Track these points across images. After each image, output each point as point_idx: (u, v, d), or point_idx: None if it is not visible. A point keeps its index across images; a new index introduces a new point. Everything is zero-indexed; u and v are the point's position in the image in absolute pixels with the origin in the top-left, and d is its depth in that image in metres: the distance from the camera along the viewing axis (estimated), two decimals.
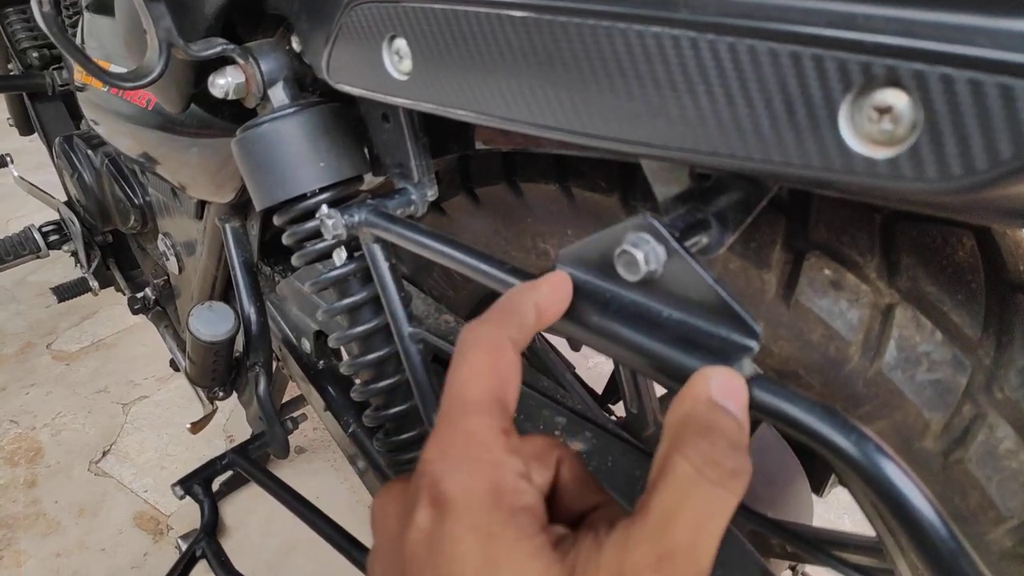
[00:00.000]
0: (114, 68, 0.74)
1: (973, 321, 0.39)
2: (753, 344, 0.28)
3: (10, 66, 1.54)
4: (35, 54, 1.46)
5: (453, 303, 0.81)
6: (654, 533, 0.25)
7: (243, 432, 1.64)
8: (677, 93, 0.27)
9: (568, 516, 0.32)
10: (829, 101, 0.23)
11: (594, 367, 1.67)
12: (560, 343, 1.07)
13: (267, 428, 0.86)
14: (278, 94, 0.54)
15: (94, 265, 1.43)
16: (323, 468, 1.55)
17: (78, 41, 0.88)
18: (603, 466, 0.60)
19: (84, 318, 2.10)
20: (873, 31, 0.21)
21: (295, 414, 1.17)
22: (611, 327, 0.32)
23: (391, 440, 0.64)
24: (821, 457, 0.74)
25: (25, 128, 1.63)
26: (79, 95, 0.95)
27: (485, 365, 0.29)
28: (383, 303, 0.55)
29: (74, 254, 1.48)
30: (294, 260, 0.59)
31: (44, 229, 1.47)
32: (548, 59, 0.31)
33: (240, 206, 0.87)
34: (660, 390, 0.82)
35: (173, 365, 1.35)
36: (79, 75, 0.90)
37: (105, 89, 0.82)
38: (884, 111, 0.22)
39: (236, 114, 0.63)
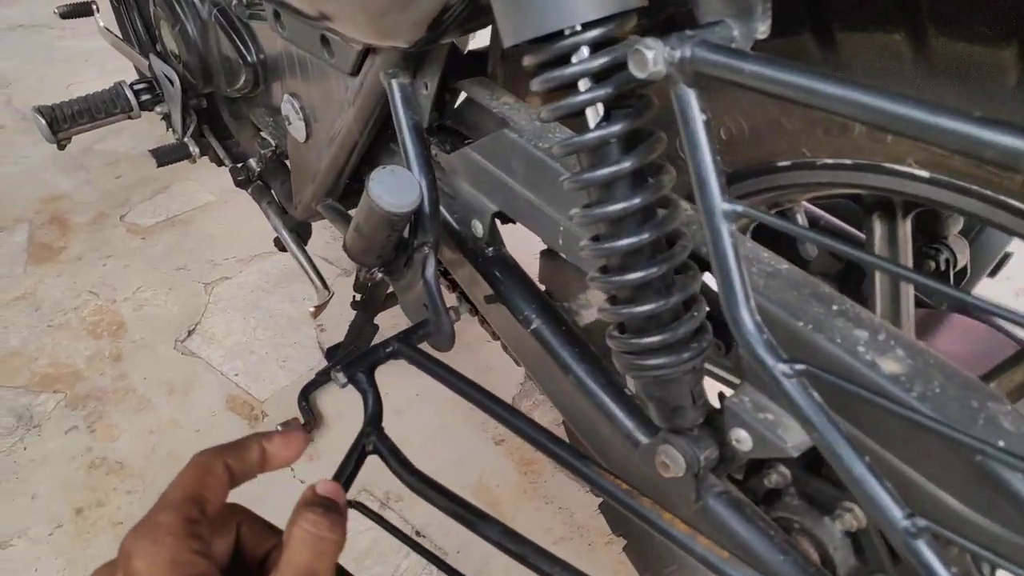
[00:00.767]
0: None
1: None
2: None
3: None
4: None
5: None
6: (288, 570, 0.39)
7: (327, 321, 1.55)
8: None
9: (256, 558, 0.45)
10: None
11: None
12: None
13: (432, 316, 0.76)
14: None
15: (190, 130, 1.31)
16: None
17: None
18: None
19: (156, 192, 2.00)
20: None
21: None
22: None
23: (634, 341, 0.54)
24: None
25: None
26: None
27: (190, 476, 0.41)
28: (691, 169, 0.43)
29: (166, 117, 1.36)
30: (543, 114, 0.47)
31: (136, 87, 1.34)
32: None
33: (414, 58, 0.74)
34: None
35: (278, 244, 1.25)
36: None
37: None
38: None
39: None
